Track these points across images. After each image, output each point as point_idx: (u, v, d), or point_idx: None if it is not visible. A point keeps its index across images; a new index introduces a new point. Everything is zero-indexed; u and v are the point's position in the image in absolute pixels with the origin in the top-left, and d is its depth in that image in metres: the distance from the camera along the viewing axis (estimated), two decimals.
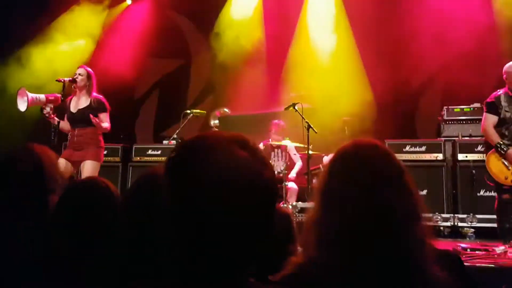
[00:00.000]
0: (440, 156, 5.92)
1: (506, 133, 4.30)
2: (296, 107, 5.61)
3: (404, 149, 6.07)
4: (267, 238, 0.88)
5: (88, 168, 4.60)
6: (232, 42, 7.63)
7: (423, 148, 6.02)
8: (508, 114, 4.29)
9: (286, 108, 5.74)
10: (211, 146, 0.85)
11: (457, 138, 5.98)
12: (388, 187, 1.14)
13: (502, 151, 4.22)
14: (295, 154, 6.40)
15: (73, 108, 4.78)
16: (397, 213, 1.11)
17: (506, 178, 4.24)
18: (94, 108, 4.71)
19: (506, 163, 4.23)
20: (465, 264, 3.45)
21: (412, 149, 6.05)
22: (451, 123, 6.21)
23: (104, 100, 4.82)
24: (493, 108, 4.34)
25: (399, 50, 6.82)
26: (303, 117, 5.55)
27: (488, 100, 4.44)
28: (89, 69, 4.86)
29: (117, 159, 6.87)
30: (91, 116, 4.60)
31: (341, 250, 1.10)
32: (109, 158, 6.84)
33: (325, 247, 1.12)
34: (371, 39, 7.08)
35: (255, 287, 0.88)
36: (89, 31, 7.78)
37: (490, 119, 4.34)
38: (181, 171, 0.85)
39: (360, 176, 1.15)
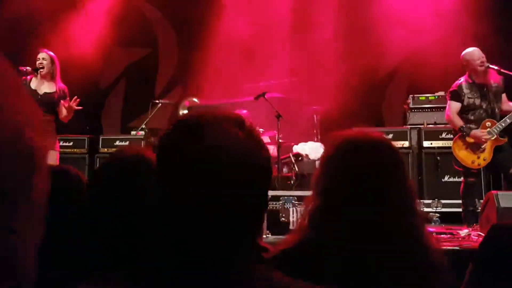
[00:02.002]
0: (406, 144, 6.06)
1: (472, 118, 4.45)
2: (266, 96, 5.62)
3: None
4: (261, 219, 0.87)
5: (52, 159, 4.46)
6: (201, 30, 7.55)
7: (390, 136, 6.13)
8: (471, 100, 4.45)
9: (256, 98, 5.74)
10: (207, 124, 0.82)
11: (422, 126, 6.14)
12: (381, 178, 1.18)
13: (465, 133, 4.37)
14: (268, 142, 6.38)
15: (32, 92, 4.55)
16: (389, 201, 1.16)
17: (472, 162, 4.40)
18: (59, 96, 4.56)
19: (471, 147, 4.36)
20: None
21: None
22: (417, 111, 6.36)
23: (67, 91, 4.66)
24: (456, 96, 4.49)
25: (366, 39, 6.92)
26: (273, 106, 5.57)
27: (451, 89, 4.59)
28: (51, 53, 4.66)
29: (84, 150, 6.72)
30: (62, 102, 4.43)
31: (334, 231, 1.13)
32: (75, 150, 6.69)
33: (318, 229, 1.15)
34: (338, 28, 7.13)
35: (258, 270, 0.86)
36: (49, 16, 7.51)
37: (454, 107, 4.50)
38: (175, 148, 0.82)
39: (355, 166, 1.19)
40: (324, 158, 1.27)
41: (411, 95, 6.44)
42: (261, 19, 7.57)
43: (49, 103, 4.49)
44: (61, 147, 6.22)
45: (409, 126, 6.24)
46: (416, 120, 6.32)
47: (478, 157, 4.39)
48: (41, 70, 4.54)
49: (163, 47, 8.44)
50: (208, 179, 0.78)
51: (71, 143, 6.68)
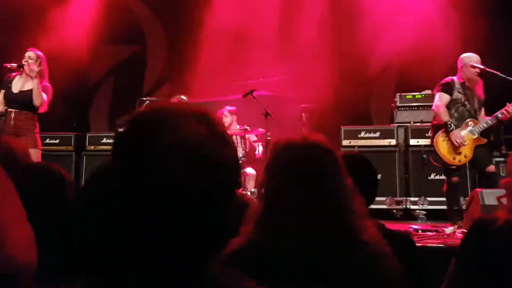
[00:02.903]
0: (393, 142, 6.11)
1: (455, 114, 4.50)
2: (254, 94, 5.61)
3: (359, 135, 6.22)
4: (226, 221, 0.83)
5: (34, 157, 4.41)
6: (189, 27, 7.52)
7: (377, 134, 6.19)
8: (459, 96, 4.49)
9: (245, 95, 5.73)
10: (163, 120, 0.77)
11: (409, 124, 6.18)
12: (317, 179, 1.24)
13: (449, 128, 4.42)
14: (255, 140, 6.38)
15: (15, 88, 4.54)
16: (340, 207, 1.22)
17: (454, 158, 4.44)
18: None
19: (456, 141, 4.40)
20: (416, 244, 3.60)
21: (367, 135, 6.20)
22: (404, 109, 6.40)
23: (50, 90, 4.61)
24: (449, 88, 4.53)
25: (355, 37, 6.94)
26: (261, 104, 5.57)
27: (443, 81, 4.61)
28: (39, 52, 4.64)
29: (70, 148, 6.67)
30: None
31: (279, 232, 1.18)
32: (61, 147, 6.64)
33: (264, 231, 1.20)
34: (326, 26, 7.15)
35: (217, 271, 0.85)
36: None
37: (443, 98, 4.52)
38: (129, 149, 0.77)
39: (290, 169, 1.26)
40: (266, 164, 1.32)
41: (398, 94, 6.49)
42: (250, 16, 7.56)
43: (28, 100, 4.45)
44: (47, 144, 6.19)
45: (396, 124, 6.29)
46: (403, 118, 6.37)
47: (459, 153, 4.43)
48: (23, 67, 4.50)
49: (152, 44, 8.40)
50: (164, 178, 0.74)
51: (57, 141, 6.63)
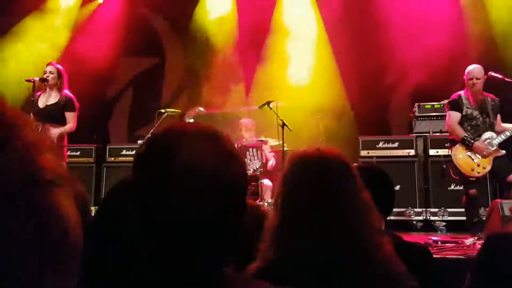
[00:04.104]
0: (412, 152, 6.05)
1: (469, 128, 4.47)
2: (270, 105, 5.64)
3: (377, 146, 6.18)
4: (237, 232, 0.86)
5: None
6: (206, 40, 7.62)
7: (396, 144, 6.14)
8: (469, 111, 4.47)
9: (261, 106, 5.76)
10: (174, 140, 0.83)
11: (428, 134, 6.12)
12: (332, 192, 1.23)
13: (469, 143, 4.37)
14: (270, 152, 6.42)
15: (41, 104, 4.70)
16: (354, 225, 1.20)
17: (472, 170, 4.39)
18: (62, 105, 4.65)
19: (471, 155, 4.38)
20: (435, 256, 3.55)
21: (385, 145, 6.16)
22: (423, 119, 6.34)
23: (74, 99, 4.75)
24: (456, 105, 4.53)
25: (372, 48, 6.93)
26: (277, 115, 5.59)
27: (450, 99, 4.62)
28: (59, 66, 4.80)
29: (91, 160, 6.79)
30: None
31: (292, 246, 1.18)
32: (82, 159, 6.76)
33: (279, 247, 1.20)
34: (344, 36, 7.16)
35: (231, 277, 0.87)
36: (58, 31, 7.65)
37: (454, 116, 4.52)
38: (147, 168, 0.83)
39: (306, 181, 1.25)
40: (281, 177, 1.32)
41: (417, 104, 6.43)
42: (266, 27, 7.63)
43: (52, 113, 4.60)
44: (69, 156, 6.30)
45: (415, 135, 6.23)
46: (422, 128, 6.31)
47: (478, 165, 4.37)
48: (47, 80, 4.64)
49: (170, 57, 8.51)
50: (177, 197, 0.79)
51: (78, 153, 6.75)
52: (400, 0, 6.88)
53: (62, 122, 4.63)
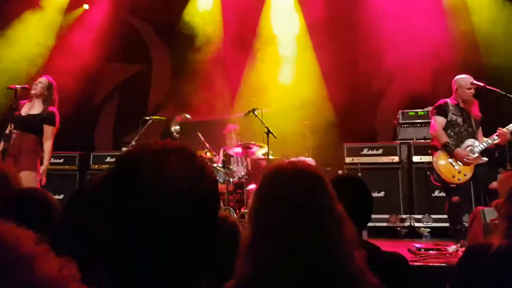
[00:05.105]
0: (396, 159, 6.09)
1: (452, 134, 4.51)
2: (255, 112, 5.63)
3: (361, 152, 6.21)
4: (209, 249, 0.86)
5: (30, 180, 4.33)
6: (193, 47, 7.61)
7: (380, 151, 6.17)
8: (454, 117, 4.52)
9: (246, 114, 5.75)
10: (145, 162, 0.84)
11: (412, 141, 6.16)
12: (320, 213, 1.22)
13: (450, 150, 4.41)
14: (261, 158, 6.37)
15: (23, 112, 4.64)
16: (328, 238, 1.19)
17: (453, 177, 4.42)
18: (43, 117, 4.59)
19: (453, 162, 4.42)
20: (418, 264, 3.57)
21: (370, 152, 6.19)
22: (406, 126, 6.39)
23: (57, 116, 4.67)
24: (443, 111, 4.57)
25: (358, 55, 6.98)
26: (262, 123, 5.58)
27: (436, 104, 4.65)
28: (52, 80, 4.77)
29: (74, 167, 6.72)
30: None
31: (264, 261, 1.17)
32: (65, 167, 6.69)
33: (251, 261, 1.18)
34: (330, 44, 7.19)
35: None
36: (43, 37, 7.57)
37: (439, 121, 4.56)
38: (113, 187, 0.84)
39: (278, 195, 1.24)
40: (255, 190, 1.32)
41: (401, 111, 6.49)
42: (253, 34, 7.65)
43: (32, 123, 4.54)
44: (52, 163, 6.21)
45: (399, 141, 6.27)
46: (406, 135, 6.36)
47: (459, 172, 4.41)
48: (27, 89, 4.61)
49: (156, 63, 8.48)
50: (147, 217, 0.79)
51: (61, 160, 6.68)
52: (385, 9, 6.94)
53: (40, 134, 4.57)
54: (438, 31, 6.66)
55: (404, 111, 6.44)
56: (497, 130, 4.42)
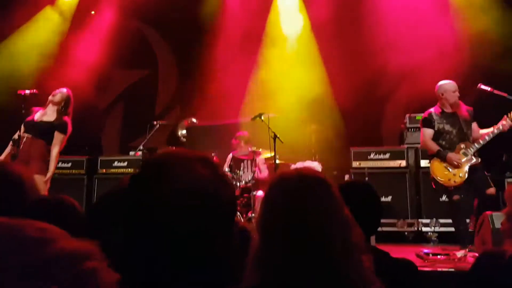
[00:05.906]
0: (403, 163, 6.06)
1: (443, 143, 4.59)
2: (262, 117, 5.64)
3: (368, 157, 6.19)
4: (226, 253, 0.89)
5: (39, 183, 4.40)
6: (199, 52, 7.63)
7: (387, 156, 6.15)
8: (441, 126, 4.61)
9: (253, 118, 5.76)
10: (173, 164, 0.88)
11: (419, 145, 6.13)
12: (326, 219, 1.22)
13: (443, 156, 4.50)
14: (264, 164, 6.39)
15: (37, 117, 4.74)
16: (334, 244, 1.19)
17: (449, 180, 4.47)
18: (55, 125, 4.66)
19: (447, 167, 4.48)
20: (426, 269, 3.55)
21: (377, 156, 6.17)
22: (414, 130, 6.37)
23: (69, 124, 4.76)
24: (428, 122, 4.67)
25: (365, 59, 6.97)
26: (269, 128, 5.59)
27: (422, 117, 4.79)
28: (71, 93, 4.88)
29: (82, 171, 6.75)
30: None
31: (273, 269, 1.17)
32: (73, 171, 6.72)
33: (259, 268, 1.18)
34: (336, 48, 7.20)
35: None
36: (50, 42, 7.65)
37: (427, 133, 4.67)
38: (143, 188, 0.87)
39: (285, 203, 1.24)
40: (263, 198, 1.32)
41: (408, 115, 6.46)
42: (259, 38, 7.67)
43: (44, 130, 4.63)
44: (59, 168, 6.27)
45: (406, 146, 6.25)
46: (413, 139, 6.32)
47: (454, 175, 4.48)
48: (51, 97, 4.73)
49: (162, 68, 8.53)
50: (175, 218, 0.83)
51: (69, 164, 6.72)
52: (392, 12, 6.93)
53: (50, 141, 4.63)
54: (446, 34, 6.64)
55: (411, 115, 6.42)
56: (504, 117, 4.45)
